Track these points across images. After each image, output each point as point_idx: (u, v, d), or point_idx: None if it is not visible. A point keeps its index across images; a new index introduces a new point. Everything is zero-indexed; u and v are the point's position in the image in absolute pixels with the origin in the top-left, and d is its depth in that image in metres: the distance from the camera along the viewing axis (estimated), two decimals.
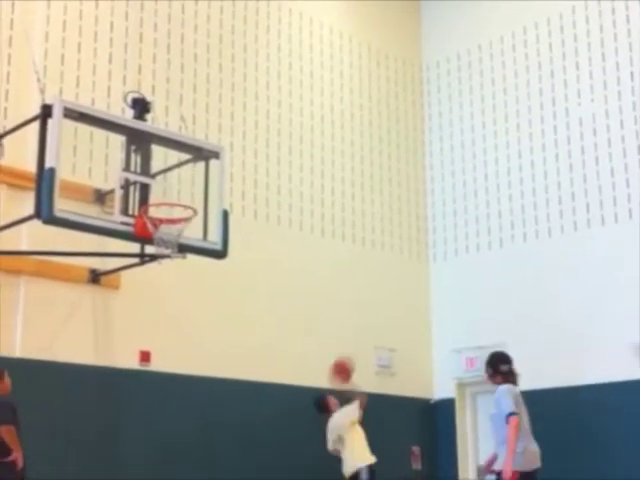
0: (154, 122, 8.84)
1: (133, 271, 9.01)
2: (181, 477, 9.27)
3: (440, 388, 12.40)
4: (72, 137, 8.69)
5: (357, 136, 12.44)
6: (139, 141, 8.41)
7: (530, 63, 12.32)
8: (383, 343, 11.93)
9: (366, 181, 12.42)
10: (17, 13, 9.12)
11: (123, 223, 7.93)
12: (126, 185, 8.29)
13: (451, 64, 13.26)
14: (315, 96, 11.99)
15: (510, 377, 7.97)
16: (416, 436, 12.00)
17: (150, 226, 7.80)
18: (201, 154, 8.70)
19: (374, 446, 9.55)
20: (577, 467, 10.55)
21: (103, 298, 9.24)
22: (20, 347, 8.50)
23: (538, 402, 11.16)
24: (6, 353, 8.32)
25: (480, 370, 11.91)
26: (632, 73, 11.27)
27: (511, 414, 7.63)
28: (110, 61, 9.78)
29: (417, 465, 11.89)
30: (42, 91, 7.84)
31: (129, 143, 8.43)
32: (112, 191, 8.35)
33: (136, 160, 8.42)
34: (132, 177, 8.31)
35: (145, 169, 8.42)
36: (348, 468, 9.38)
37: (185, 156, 8.87)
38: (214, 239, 8.52)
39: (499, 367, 7.99)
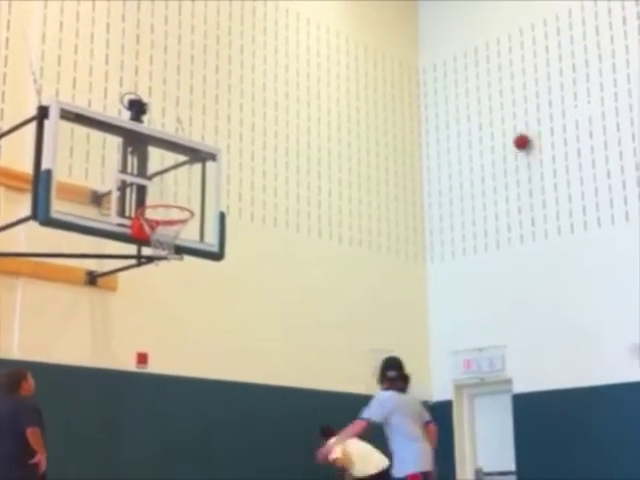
0: (151, 124, 8.85)
1: (130, 273, 9.00)
2: (179, 478, 9.25)
3: (438, 390, 12.38)
4: (69, 138, 8.66)
5: (354, 138, 12.43)
6: (136, 143, 8.41)
7: (526, 65, 12.33)
8: (380, 345, 11.86)
9: (363, 183, 12.42)
10: (14, 14, 9.12)
11: (120, 225, 7.93)
12: (123, 187, 8.29)
13: (448, 66, 13.27)
14: (312, 98, 11.99)
15: (397, 383, 7.87)
16: None
17: (147, 228, 7.80)
18: (198, 156, 8.70)
19: None
20: (577, 467, 10.57)
21: (100, 300, 9.24)
22: (18, 348, 8.49)
23: (537, 403, 11.24)
24: (4, 354, 8.32)
25: (478, 372, 12.02)
26: (629, 75, 11.28)
27: (361, 419, 7.63)
28: (107, 62, 9.78)
29: None
30: (39, 92, 7.85)
31: (126, 145, 8.43)
32: (109, 193, 8.35)
33: (133, 162, 8.43)
34: (129, 179, 8.30)
35: (142, 171, 8.42)
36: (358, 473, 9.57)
37: (182, 158, 8.87)
38: (211, 241, 8.52)
39: (386, 373, 7.94)
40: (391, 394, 7.76)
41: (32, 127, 7.77)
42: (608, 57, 11.50)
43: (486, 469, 11.99)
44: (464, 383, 12.29)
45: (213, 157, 8.70)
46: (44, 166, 7.40)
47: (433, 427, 7.95)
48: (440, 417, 12.16)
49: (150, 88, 9.99)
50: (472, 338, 12.00)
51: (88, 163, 9.31)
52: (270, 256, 10.88)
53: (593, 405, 10.73)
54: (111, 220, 7.93)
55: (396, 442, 7.64)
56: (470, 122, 12.86)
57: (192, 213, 8.02)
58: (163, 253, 7.94)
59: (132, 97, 8.69)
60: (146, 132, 8.42)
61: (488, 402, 12.23)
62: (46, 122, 7.53)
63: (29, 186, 7.66)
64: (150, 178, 8.54)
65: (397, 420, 7.61)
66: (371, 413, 7.62)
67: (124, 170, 8.36)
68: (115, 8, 9.93)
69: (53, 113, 7.49)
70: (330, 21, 12.44)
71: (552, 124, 11.93)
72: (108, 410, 8.98)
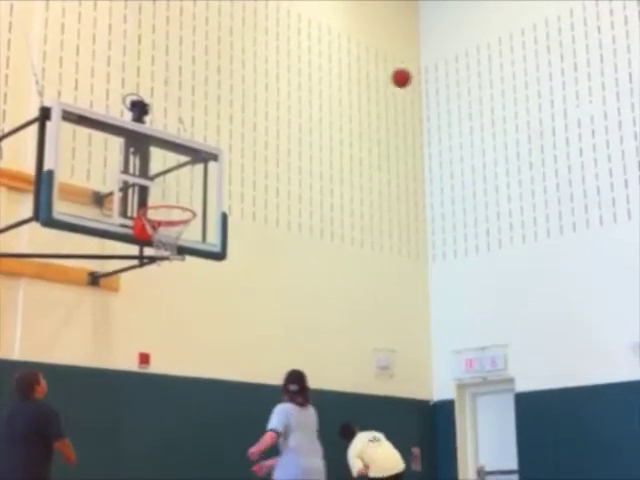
0: (153, 124, 8.84)
1: (132, 273, 9.01)
2: (182, 478, 9.26)
3: (440, 389, 12.41)
4: (71, 139, 8.69)
5: (355, 138, 12.44)
6: (138, 143, 8.42)
7: (528, 65, 12.33)
8: (382, 345, 11.93)
9: (365, 183, 12.43)
10: (15, 15, 9.12)
11: (122, 225, 7.94)
12: (125, 187, 8.30)
13: (449, 66, 13.27)
14: (314, 98, 12.00)
15: (297, 397, 7.94)
16: (416, 437, 12.00)
17: (149, 228, 7.80)
18: (200, 156, 8.70)
19: None
20: (579, 466, 10.57)
21: (102, 300, 9.25)
22: (19, 349, 8.50)
23: (539, 402, 11.24)
24: (5, 355, 8.33)
25: (480, 371, 12.03)
26: (630, 74, 11.28)
27: (270, 430, 7.73)
28: (108, 63, 9.78)
29: (417, 466, 11.88)
30: (40, 94, 7.84)
31: (128, 145, 8.44)
32: (111, 193, 8.36)
33: (135, 162, 8.43)
34: (131, 179, 8.32)
35: (144, 171, 8.42)
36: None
37: (184, 158, 8.86)
38: (213, 241, 8.53)
39: (288, 386, 8.01)
40: (288, 406, 7.87)
41: (34, 128, 7.79)
42: (609, 56, 11.51)
43: (488, 468, 12.01)
44: (466, 382, 12.30)
45: (215, 157, 8.71)
46: (46, 167, 7.41)
47: None
48: (442, 416, 12.27)
49: (152, 89, 9.99)
50: (474, 337, 12.01)
51: (90, 164, 9.32)
52: (272, 256, 10.89)
53: (595, 404, 10.74)
54: (113, 221, 7.94)
55: (284, 454, 7.80)
56: (472, 121, 12.86)
57: (194, 213, 8.03)
58: (165, 253, 7.94)
59: (134, 98, 8.69)
60: (148, 133, 8.42)
61: (490, 401, 12.24)
62: (48, 123, 7.54)
63: (31, 187, 7.67)
64: (152, 179, 8.55)
65: (289, 433, 7.76)
66: (274, 424, 7.74)
67: (126, 171, 8.37)
68: (117, 9, 9.93)
69: (55, 114, 7.50)
70: (331, 22, 12.45)
71: (554, 124, 11.93)
72: (110, 410, 8.98)
